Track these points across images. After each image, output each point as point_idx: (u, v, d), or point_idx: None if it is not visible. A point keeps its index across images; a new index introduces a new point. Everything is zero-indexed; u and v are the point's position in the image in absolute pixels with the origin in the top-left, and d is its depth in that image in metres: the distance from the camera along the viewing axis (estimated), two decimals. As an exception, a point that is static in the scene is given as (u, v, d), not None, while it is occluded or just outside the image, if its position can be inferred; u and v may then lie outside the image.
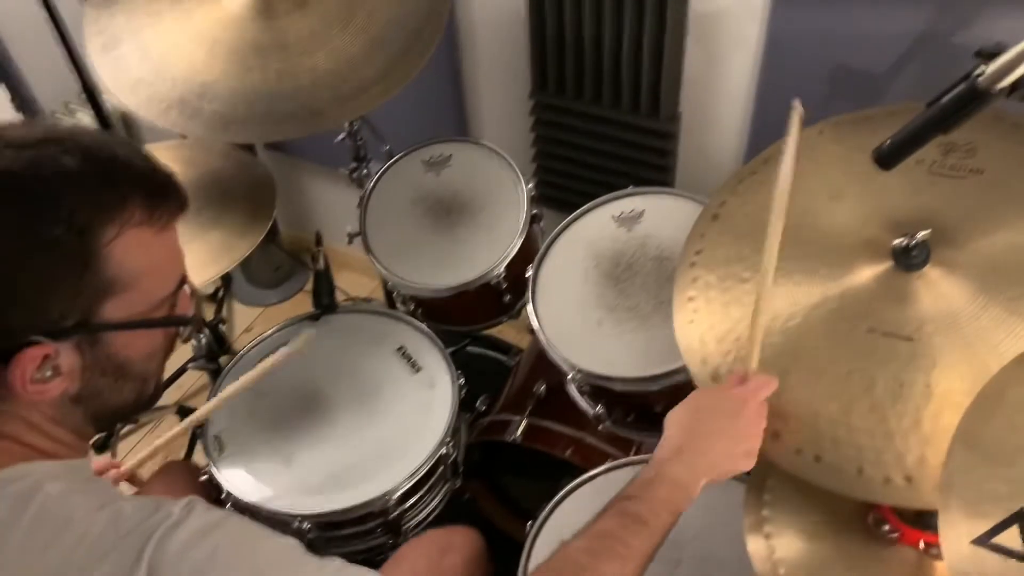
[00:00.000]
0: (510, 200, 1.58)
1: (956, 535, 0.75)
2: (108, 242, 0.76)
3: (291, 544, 0.81)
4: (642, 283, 1.39)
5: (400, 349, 1.50)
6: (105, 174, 0.78)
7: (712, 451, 0.96)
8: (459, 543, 1.31)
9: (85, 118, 2.29)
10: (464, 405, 1.45)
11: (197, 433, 1.52)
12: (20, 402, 0.79)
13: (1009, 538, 0.72)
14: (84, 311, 0.77)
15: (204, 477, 1.38)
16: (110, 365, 0.82)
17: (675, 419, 1.00)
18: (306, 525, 1.31)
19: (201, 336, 1.82)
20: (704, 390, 1.03)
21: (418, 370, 1.47)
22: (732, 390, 0.97)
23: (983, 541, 0.73)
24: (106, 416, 0.88)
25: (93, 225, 0.76)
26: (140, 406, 0.90)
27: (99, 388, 0.83)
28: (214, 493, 1.39)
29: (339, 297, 1.64)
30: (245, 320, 2.52)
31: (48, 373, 0.77)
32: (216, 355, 1.85)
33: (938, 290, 0.95)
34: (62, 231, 0.74)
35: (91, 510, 0.75)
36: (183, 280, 0.88)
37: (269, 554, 0.79)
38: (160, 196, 0.82)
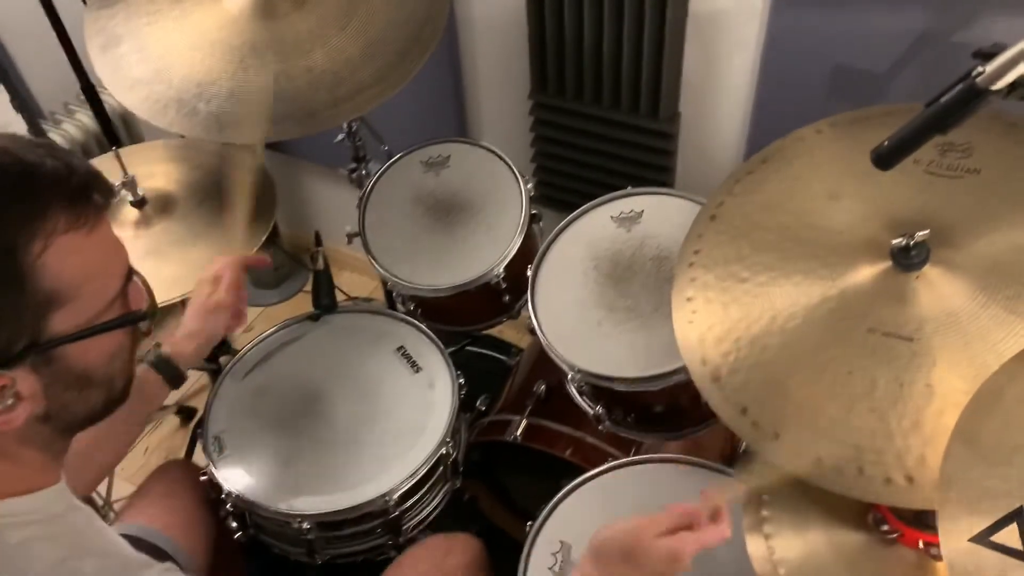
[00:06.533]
0: (509, 200, 1.58)
1: (955, 533, 0.75)
2: (37, 256, 0.71)
3: None
4: (641, 283, 1.39)
5: (400, 349, 1.50)
6: (18, 186, 0.72)
7: None
8: (460, 548, 1.32)
9: (84, 118, 2.29)
10: (464, 405, 1.46)
11: (197, 433, 1.52)
12: None
13: (1008, 536, 0.73)
14: (31, 331, 0.73)
15: (204, 477, 1.38)
16: (72, 377, 0.78)
17: (598, 550, 0.94)
18: (306, 525, 1.31)
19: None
20: (642, 537, 0.92)
21: (418, 370, 1.47)
22: (669, 541, 0.91)
23: (982, 539, 0.73)
24: (76, 425, 0.84)
25: (17, 243, 0.70)
26: (110, 407, 0.86)
27: (65, 402, 0.79)
28: (214, 493, 1.39)
29: (339, 297, 1.64)
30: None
31: (9, 402, 0.73)
32: (216, 355, 1.85)
33: (937, 290, 0.95)
34: None
35: (50, 565, 0.72)
36: (130, 273, 0.83)
37: None
38: (83, 196, 0.76)
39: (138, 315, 0.84)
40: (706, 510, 0.93)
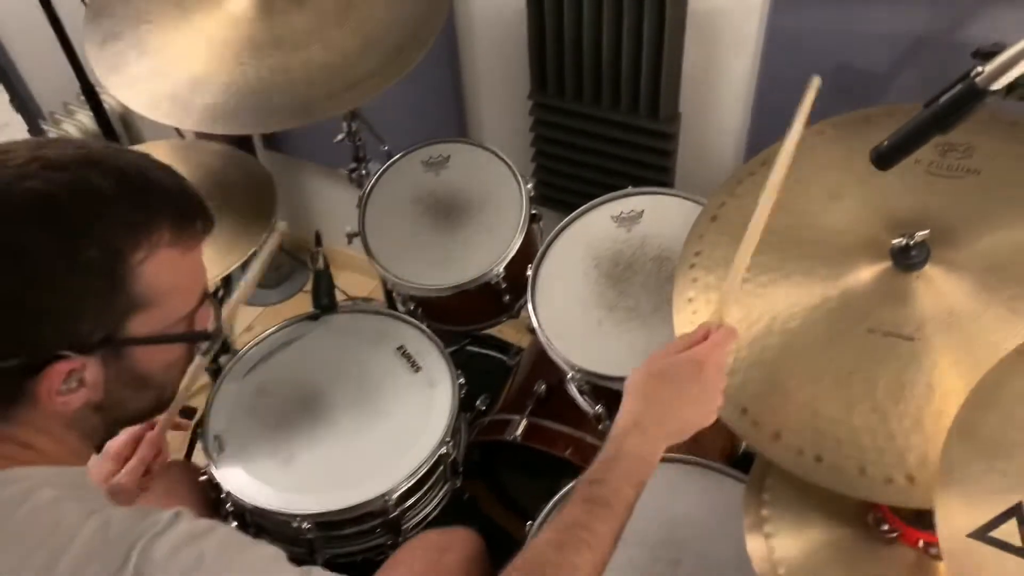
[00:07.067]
0: (509, 200, 1.58)
1: (953, 527, 0.75)
2: (138, 263, 0.78)
3: (275, 553, 0.82)
4: (642, 283, 1.39)
5: (400, 349, 1.50)
6: (138, 197, 0.80)
7: (670, 418, 0.95)
8: (457, 543, 1.31)
9: (84, 118, 2.29)
10: (464, 404, 1.46)
11: (197, 433, 1.52)
12: (43, 411, 0.80)
13: (1007, 532, 0.72)
14: (111, 327, 0.79)
15: (204, 477, 1.38)
16: (132, 377, 0.84)
17: (631, 387, 0.99)
18: (306, 525, 1.31)
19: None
20: (659, 354, 1.00)
21: (418, 370, 1.47)
22: (689, 351, 0.96)
23: (980, 535, 0.73)
24: (123, 422, 0.91)
25: (125, 247, 0.78)
26: (155, 411, 0.93)
27: (120, 398, 0.85)
28: (214, 493, 1.39)
29: (339, 297, 1.64)
30: (245, 319, 2.52)
31: (73, 385, 0.79)
32: (216, 355, 1.85)
33: (938, 289, 0.95)
34: (96, 253, 0.76)
35: (81, 516, 0.76)
36: (204, 295, 0.90)
37: (254, 562, 0.80)
38: (189, 218, 0.84)
39: (205, 334, 0.91)
40: (709, 327, 0.98)
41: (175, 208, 0.83)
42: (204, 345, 0.95)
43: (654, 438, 0.94)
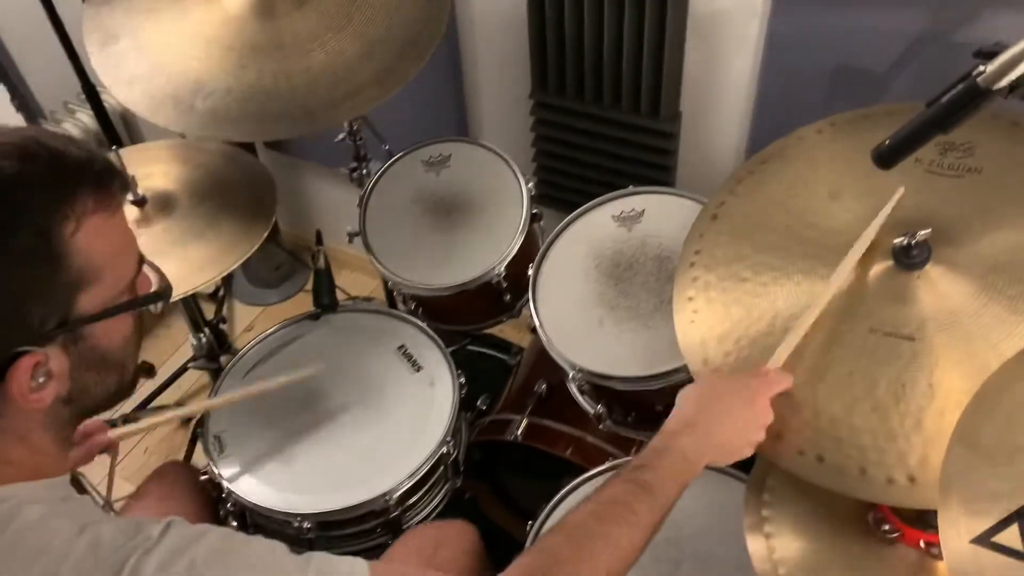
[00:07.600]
0: (510, 199, 1.58)
1: (956, 534, 0.75)
2: (70, 236, 0.76)
3: (274, 546, 0.81)
4: (643, 282, 1.39)
5: (401, 348, 1.50)
6: (49, 170, 0.77)
7: (721, 432, 0.97)
8: (453, 537, 1.31)
9: (84, 117, 2.29)
10: (465, 404, 1.46)
11: (197, 433, 1.52)
12: (20, 414, 0.78)
13: (1009, 537, 0.72)
14: (63, 310, 0.77)
15: (204, 477, 1.38)
16: (93, 358, 0.82)
17: (690, 395, 1.01)
18: (306, 524, 1.31)
19: (201, 336, 1.82)
20: (722, 374, 1.03)
21: (419, 369, 1.47)
22: (749, 379, 0.98)
23: (983, 540, 0.73)
24: (91, 410, 0.89)
25: (53, 224, 0.75)
26: (120, 395, 0.90)
27: (86, 384, 0.83)
28: (214, 493, 1.39)
29: (339, 296, 1.64)
30: (246, 319, 2.52)
31: (41, 379, 0.77)
32: (216, 355, 1.85)
33: (939, 289, 0.95)
34: (25, 238, 0.74)
35: (71, 535, 0.75)
36: (141, 260, 0.88)
37: (248, 559, 0.78)
38: (106, 180, 0.81)
39: (157, 295, 0.89)
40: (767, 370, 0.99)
41: (89, 172, 0.80)
42: (158, 306, 0.91)
43: (702, 444, 0.96)
